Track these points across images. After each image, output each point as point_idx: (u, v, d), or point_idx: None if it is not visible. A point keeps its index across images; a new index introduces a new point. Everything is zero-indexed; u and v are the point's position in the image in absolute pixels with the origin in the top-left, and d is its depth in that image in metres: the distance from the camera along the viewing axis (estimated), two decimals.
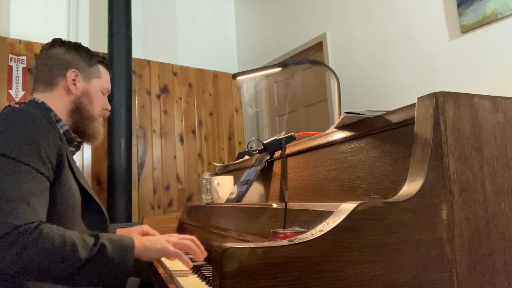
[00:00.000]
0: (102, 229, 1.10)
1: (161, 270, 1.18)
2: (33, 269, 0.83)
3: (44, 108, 1.09)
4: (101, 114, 1.21)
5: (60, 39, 1.19)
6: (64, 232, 0.88)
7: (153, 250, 0.99)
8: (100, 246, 0.89)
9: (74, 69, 1.14)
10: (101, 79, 1.21)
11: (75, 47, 1.18)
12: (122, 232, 1.40)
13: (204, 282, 0.98)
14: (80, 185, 1.06)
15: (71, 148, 1.14)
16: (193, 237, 1.11)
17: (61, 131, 1.10)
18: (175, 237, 1.06)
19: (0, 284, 0.89)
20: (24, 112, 0.98)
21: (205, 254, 1.11)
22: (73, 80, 1.14)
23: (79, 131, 1.15)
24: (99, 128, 1.20)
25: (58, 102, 1.12)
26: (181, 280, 1.01)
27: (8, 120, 0.95)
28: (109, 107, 1.24)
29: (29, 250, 0.82)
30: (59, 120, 1.10)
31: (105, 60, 1.24)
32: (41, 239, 0.84)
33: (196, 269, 1.11)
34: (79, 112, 1.14)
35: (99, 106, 1.19)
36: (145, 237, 1.04)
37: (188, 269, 1.13)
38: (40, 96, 1.12)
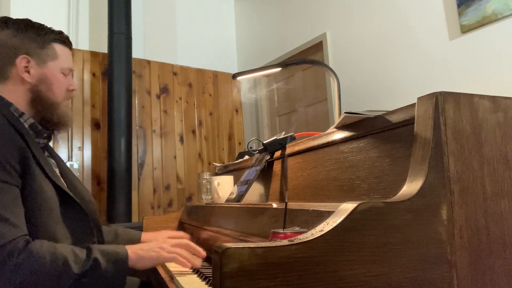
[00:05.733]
0: (86, 231, 1.03)
1: (161, 270, 1.18)
2: None
3: (2, 103, 0.99)
4: (66, 97, 1.09)
5: (5, 19, 1.04)
6: (54, 248, 0.86)
7: (147, 258, 0.98)
8: (92, 260, 0.87)
9: (24, 55, 1.01)
10: (59, 60, 1.07)
11: (24, 28, 1.03)
12: (148, 237, 1.35)
13: (204, 282, 0.98)
14: (55, 185, 0.98)
15: (42, 141, 1.05)
16: (187, 241, 1.08)
17: (26, 126, 1.00)
18: (169, 243, 1.04)
19: None
20: None
21: (203, 254, 1.08)
22: (25, 67, 1.02)
23: (46, 121, 1.05)
24: (66, 113, 1.09)
25: (15, 93, 1.01)
26: (181, 280, 1.01)
27: None
28: (74, 87, 1.12)
29: (21, 271, 0.80)
30: (22, 114, 1.01)
31: (61, 37, 1.09)
32: (32, 259, 0.81)
33: (196, 269, 1.12)
34: (39, 100, 1.03)
35: (62, 90, 1.07)
36: (139, 246, 1.01)
37: (188, 269, 1.13)
38: None
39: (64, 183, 1.05)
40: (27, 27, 1.04)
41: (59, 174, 1.07)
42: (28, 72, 1.02)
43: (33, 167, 0.93)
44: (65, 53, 1.10)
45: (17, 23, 1.04)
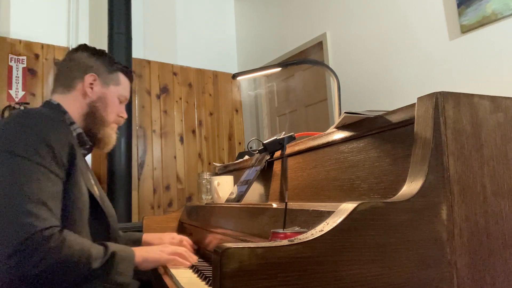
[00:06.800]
0: (104, 236, 1.10)
1: (161, 270, 1.18)
2: (50, 274, 0.84)
3: (59, 110, 1.10)
4: (115, 121, 1.21)
5: (85, 45, 1.21)
6: (82, 241, 0.92)
7: (150, 260, 1.09)
8: (109, 257, 0.93)
9: (93, 73, 1.15)
10: (120, 87, 1.21)
11: (98, 53, 1.20)
12: (151, 237, 1.44)
13: (204, 282, 0.98)
14: (89, 191, 1.06)
15: (83, 151, 1.15)
16: (184, 249, 1.20)
17: (74, 134, 1.10)
18: (170, 248, 1.16)
19: None
20: (37, 113, 0.99)
21: (194, 258, 1.21)
22: (91, 84, 1.15)
23: (91, 135, 1.16)
24: (112, 134, 1.21)
25: (73, 104, 1.13)
26: (181, 280, 1.01)
27: (22, 121, 0.95)
28: (125, 115, 1.24)
29: (52, 256, 0.83)
30: (73, 123, 1.12)
31: (127, 70, 1.25)
32: (64, 247, 0.85)
33: (196, 269, 1.12)
34: (92, 115, 1.15)
35: (114, 112, 1.20)
36: (144, 248, 1.12)
37: (188, 269, 1.14)
38: (57, 98, 1.13)
39: (97, 192, 1.13)
40: (101, 54, 1.20)
41: (93, 183, 1.15)
42: (91, 88, 1.15)
43: (76, 167, 1.01)
44: (126, 84, 1.25)
45: (93, 49, 1.21)
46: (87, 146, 1.15)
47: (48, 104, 1.12)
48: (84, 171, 1.07)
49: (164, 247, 1.16)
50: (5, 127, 0.94)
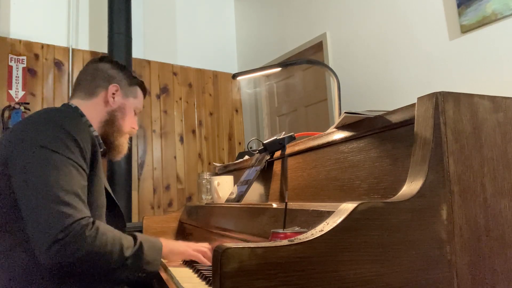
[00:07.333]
0: None
1: (161, 270, 1.18)
2: (85, 262, 0.87)
3: (77, 113, 1.14)
4: (129, 132, 1.27)
5: (108, 56, 1.29)
6: (113, 230, 0.95)
7: (176, 252, 1.17)
8: (139, 246, 0.97)
9: (116, 84, 1.21)
10: (137, 100, 1.28)
11: (121, 67, 1.27)
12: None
13: (204, 282, 0.98)
14: (105, 188, 1.11)
15: None
16: (210, 247, 1.24)
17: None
18: (195, 245, 1.22)
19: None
20: (61, 111, 1.05)
21: None
22: (113, 93, 1.21)
23: (107, 142, 1.21)
24: (125, 144, 1.26)
25: (93, 110, 1.18)
26: (181, 280, 1.01)
27: (48, 117, 0.99)
28: (137, 127, 1.31)
29: (88, 244, 0.87)
30: (90, 126, 1.16)
31: (143, 85, 1.33)
32: (99, 235, 0.89)
33: (196, 269, 1.12)
34: (111, 123, 1.20)
35: (129, 123, 1.26)
36: (170, 241, 1.20)
37: (188, 269, 1.14)
38: (75, 102, 1.18)
39: (111, 191, 1.18)
40: (122, 67, 1.28)
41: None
42: (113, 98, 1.21)
43: (98, 164, 1.05)
44: (141, 97, 1.32)
45: (116, 62, 1.28)
46: (101, 150, 1.19)
47: (66, 106, 1.16)
48: (102, 170, 1.11)
49: (191, 243, 1.22)
50: (31, 123, 0.98)
